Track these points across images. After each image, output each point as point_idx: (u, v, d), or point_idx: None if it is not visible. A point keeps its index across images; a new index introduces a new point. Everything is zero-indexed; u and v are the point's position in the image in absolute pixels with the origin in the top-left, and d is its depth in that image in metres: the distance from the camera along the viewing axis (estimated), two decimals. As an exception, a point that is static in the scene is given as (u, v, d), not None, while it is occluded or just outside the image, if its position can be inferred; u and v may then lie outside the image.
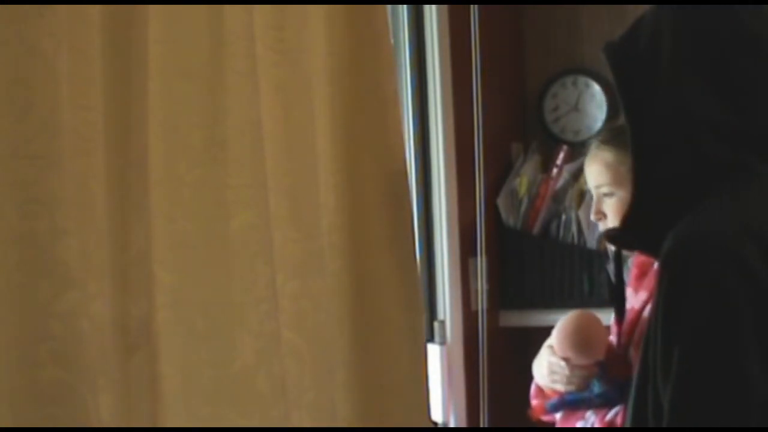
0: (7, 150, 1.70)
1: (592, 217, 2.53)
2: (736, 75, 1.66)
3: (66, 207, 1.73)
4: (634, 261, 2.52)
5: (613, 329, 2.53)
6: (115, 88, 1.88)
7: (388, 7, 2.61)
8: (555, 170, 3.48)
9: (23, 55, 1.70)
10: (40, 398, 1.69)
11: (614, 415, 2.44)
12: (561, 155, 3.49)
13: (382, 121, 2.44)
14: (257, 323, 2.06)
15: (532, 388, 2.59)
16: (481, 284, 3.35)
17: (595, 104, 3.58)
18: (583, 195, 3.35)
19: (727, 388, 1.50)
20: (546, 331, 2.57)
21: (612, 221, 2.45)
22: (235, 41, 2.07)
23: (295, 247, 2.23)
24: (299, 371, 2.21)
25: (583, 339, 2.50)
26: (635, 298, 2.48)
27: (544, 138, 3.62)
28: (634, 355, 2.42)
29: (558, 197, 3.46)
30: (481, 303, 3.31)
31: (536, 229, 3.47)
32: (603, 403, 2.46)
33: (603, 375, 2.46)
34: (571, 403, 2.49)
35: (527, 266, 3.49)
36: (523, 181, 3.48)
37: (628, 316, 2.47)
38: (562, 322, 2.55)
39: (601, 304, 3.06)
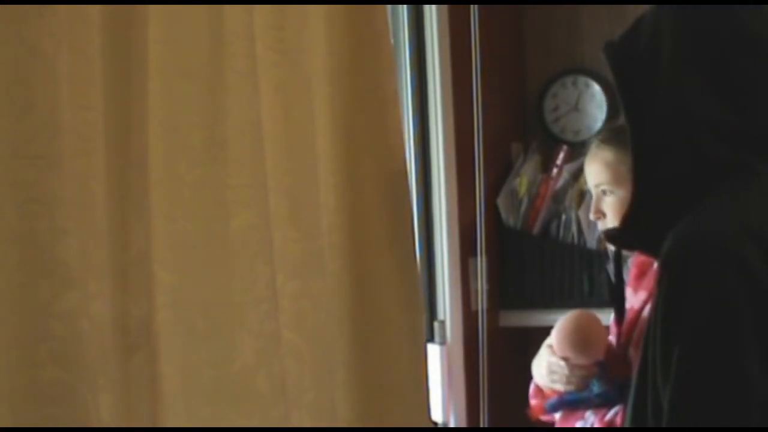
0: (7, 150, 1.70)
1: (591, 216, 2.53)
2: (736, 75, 1.66)
3: (66, 207, 1.73)
4: (633, 261, 2.52)
5: (613, 329, 2.54)
6: (115, 88, 1.88)
7: (388, 7, 2.61)
8: (555, 170, 3.48)
9: (23, 55, 1.70)
10: (40, 398, 1.69)
11: (614, 414, 2.44)
12: (561, 155, 3.49)
13: (382, 121, 2.44)
14: (257, 323, 2.06)
15: (531, 387, 2.59)
16: (481, 284, 3.35)
17: (595, 104, 3.58)
18: (583, 195, 3.35)
19: (727, 388, 1.50)
20: (546, 331, 2.57)
21: (611, 220, 2.45)
22: (235, 41, 2.07)
23: (295, 247, 2.23)
24: (299, 371, 2.21)
25: (582, 339, 2.50)
26: (635, 298, 2.48)
27: (544, 138, 3.62)
28: (634, 355, 2.42)
29: (558, 197, 3.46)
30: (481, 303, 3.31)
31: (536, 229, 3.48)
32: (602, 402, 2.46)
33: (602, 375, 2.46)
34: (570, 403, 2.49)
35: (527, 266, 3.49)
36: (523, 181, 3.48)
37: (628, 315, 2.47)
38: (561, 322, 2.55)
39: (601, 304, 3.06)
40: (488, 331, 3.30)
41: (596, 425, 2.45)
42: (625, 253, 2.49)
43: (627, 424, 1.65)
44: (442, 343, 3.29)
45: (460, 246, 3.32)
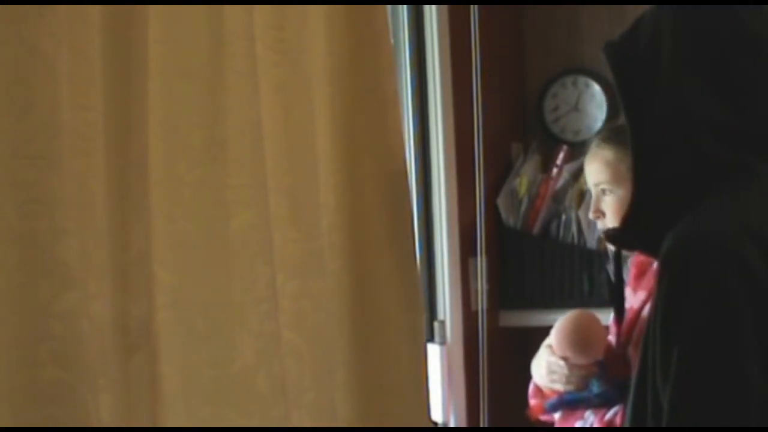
0: (7, 150, 1.69)
1: (591, 215, 2.53)
2: (736, 75, 1.66)
3: (66, 207, 1.73)
4: (632, 261, 2.52)
5: (612, 329, 2.54)
6: (115, 88, 1.88)
7: (388, 7, 2.61)
8: (555, 170, 3.48)
9: (23, 55, 1.70)
10: (40, 398, 1.69)
11: (613, 414, 2.44)
12: (561, 155, 3.49)
13: (382, 121, 2.44)
14: (257, 323, 2.06)
15: (531, 387, 2.60)
16: (481, 284, 3.35)
17: (595, 104, 3.58)
18: (583, 195, 3.35)
19: (726, 388, 1.50)
20: (546, 331, 2.57)
21: (610, 219, 2.45)
22: (235, 41, 2.07)
23: (295, 247, 2.23)
24: (299, 371, 2.21)
25: (582, 339, 2.50)
26: (634, 298, 2.48)
27: (544, 138, 3.62)
28: (633, 355, 2.42)
29: (558, 197, 3.46)
30: (481, 303, 3.31)
31: (536, 229, 3.48)
32: (602, 402, 2.46)
33: (602, 375, 2.46)
34: (570, 403, 2.49)
35: (527, 266, 3.49)
36: (523, 181, 3.48)
37: (627, 315, 2.47)
38: (560, 322, 2.55)
39: (601, 304, 3.06)
40: (488, 331, 3.30)
41: (596, 425, 2.45)
42: (625, 253, 2.49)
43: (627, 424, 1.65)
44: (442, 343, 3.29)
45: (460, 246, 3.32)
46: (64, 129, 1.74)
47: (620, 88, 1.72)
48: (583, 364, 2.48)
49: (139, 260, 1.89)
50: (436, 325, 3.30)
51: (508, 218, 3.49)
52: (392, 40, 2.67)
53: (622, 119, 1.75)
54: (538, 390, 2.58)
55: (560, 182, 3.46)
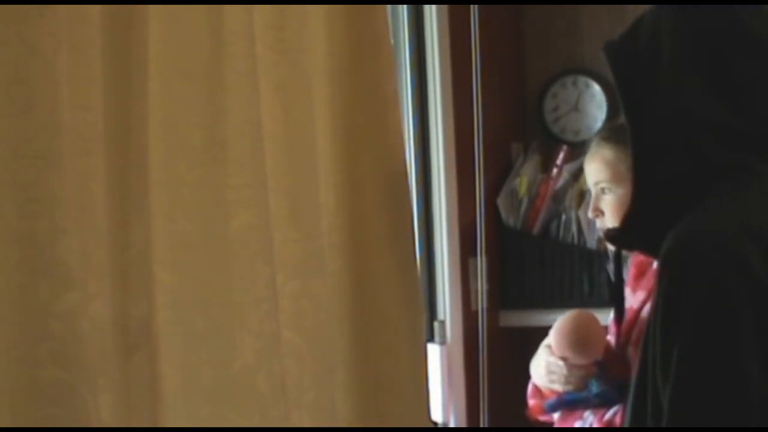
0: (7, 150, 1.69)
1: (590, 214, 2.53)
2: (736, 75, 1.66)
3: (66, 207, 1.73)
4: (632, 261, 2.52)
5: (612, 329, 2.54)
6: (115, 88, 1.88)
7: (388, 7, 2.61)
8: (555, 170, 3.48)
9: (23, 55, 1.70)
10: (40, 398, 1.69)
11: (613, 414, 2.44)
12: (561, 155, 3.49)
13: (382, 121, 2.44)
14: (257, 323, 2.06)
15: (529, 387, 2.60)
16: (481, 284, 3.35)
17: (595, 104, 3.58)
18: (583, 195, 3.35)
19: (726, 388, 1.50)
20: (546, 331, 2.57)
21: (609, 218, 2.46)
22: (235, 41, 2.07)
23: (295, 247, 2.23)
24: (299, 371, 2.21)
25: (581, 338, 2.50)
26: (633, 298, 2.48)
27: (544, 138, 3.62)
28: (633, 355, 2.42)
29: (558, 197, 3.46)
30: (481, 303, 3.31)
31: (536, 229, 3.48)
32: (601, 402, 2.46)
33: (601, 375, 2.46)
34: (569, 403, 2.49)
35: (527, 266, 3.49)
36: (523, 181, 3.48)
37: (627, 315, 2.47)
38: (559, 322, 2.55)
39: (601, 304, 3.06)
40: (488, 331, 3.30)
41: (595, 425, 2.45)
42: (624, 253, 2.49)
43: (627, 424, 1.65)
44: (442, 343, 3.29)
45: (460, 246, 3.32)
46: (64, 129, 1.74)
47: (620, 88, 1.72)
48: (582, 364, 2.48)
49: (139, 260, 1.89)
50: (436, 325, 3.30)
51: (508, 218, 3.49)
52: (392, 40, 2.67)
53: (622, 119, 1.75)
54: (537, 390, 2.58)
55: (560, 182, 3.46)
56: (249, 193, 2.07)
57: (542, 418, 2.57)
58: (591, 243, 3.39)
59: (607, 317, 2.58)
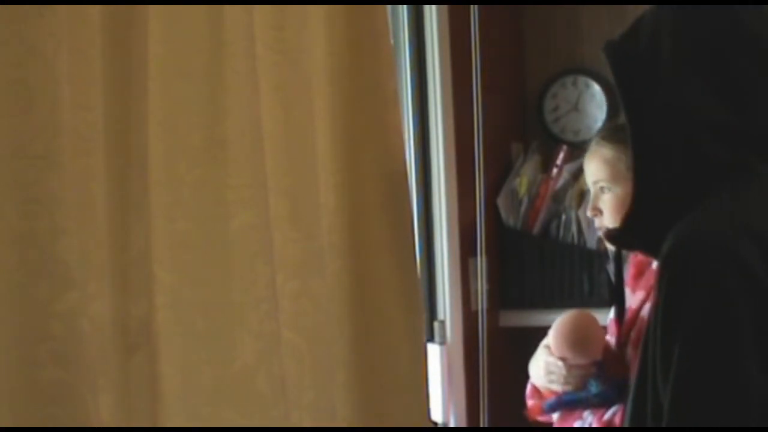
0: (7, 150, 1.69)
1: (588, 213, 2.53)
2: (736, 75, 1.66)
3: (66, 207, 1.73)
4: (631, 260, 2.52)
5: (611, 329, 2.54)
6: (115, 88, 1.88)
7: (388, 7, 2.61)
8: (555, 170, 3.48)
9: (23, 55, 1.70)
10: (40, 398, 1.69)
11: (612, 414, 2.44)
12: (561, 155, 3.49)
13: (382, 121, 2.44)
14: (257, 323, 2.06)
15: (528, 388, 2.60)
16: (481, 284, 3.35)
17: (595, 104, 3.58)
18: (583, 195, 3.35)
19: (726, 388, 1.50)
20: (546, 332, 2.57)
21: (608, 217, 2.46)
22: (235, 41, 2.07)
23: (295, 247, 2.23)
24: (299, 371, 2.21)
25: (580, 338, 2.50)
26: (632, 298, 2.48)
27: (544, 138, 3.62)
28: (632, 355, 2.42)
29: (558, 197, 3.46)
30: (481, 303, 3.31)
31: (536, 229, 3.48)
32: (600, 402, 2.46)
33: (600, 374, 2.46)
34: (568, 403, 2.49)
35: (527, 266, 3.49)
36: (523, 181, 3.48)
37: (626, 315, 2.47)
38: (558, 322, 2.55)
39: (601, 304, 3.06)
40: (488, 331, 3.30)
41: (594, 425, 2.45)
42: (625, 253, 2.49)
43: (627, 424, 1.65)
44: (442, 343, 3.29)
45: (460, 246, 3.32)
46: (64, 129, 1.74)
47: (620, 88, 1.72)
48: (581, 364, 2.48)
49: (139, 260, 1.89)
50: (436, 325, 3.30)
51: (508, 218, 3.49)
52: (392, 40, 2.67)
53: (622, 119, 1.75)
54: (536, 390, 2.58)
55: (560, 182, 3.46)
56: (249, 193, 2.07)
57: (541, 418, 2.57)
58: (591, 243, 3.39)
59: (607, 317, 2.58)
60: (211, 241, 2.03)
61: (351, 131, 2.39)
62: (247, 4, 2.10)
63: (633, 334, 2.44)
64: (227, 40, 2.06)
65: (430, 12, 3.29)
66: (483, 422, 3.26)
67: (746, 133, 1.65)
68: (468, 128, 3.27)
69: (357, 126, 2.40)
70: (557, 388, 2.50)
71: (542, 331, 2.60)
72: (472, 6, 3.27)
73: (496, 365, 3.29)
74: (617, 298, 2.51)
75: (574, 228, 3.43)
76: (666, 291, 1.56)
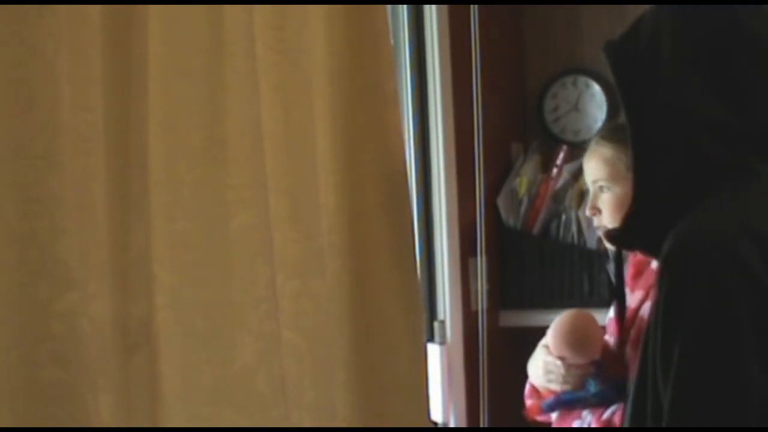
0: (7, 150, 1.69)
1: (587, 212, 2.54)
2: (736, 75, 1.66)
3: (66, 207, 1.73)
4: (630, 259, 2.52)
5: (610, 329, 2.54)
6: (115, 88, 1.88)
7: (388, 7, 2.61)
8: (555, 170, 3.48)
9: (23, 55, 1.70)
10: (40, 398, 1.69)
11: (611, 414, 2.44)
12: (561, 155, 3.49)
13: (382, 121, 2.44)
14: (257, 323, 2.06)
15: (527, 388, 2.60)
16: (481, 284, 3.35)
17: (595, 104, 3.58)
18: (583, 195, 3.35)
19: (727, 388, 1.50)
20: (546, 332, 2.57)
21: (607, 217, 2.46)
22: (235, 41, 2.07)
23: (295, 247, 2.23)
24: (299, 371, 2.21)
25: (578, 338, 2.50)
26: (631, 297, 2.48)
27: (544, 138, 3.62)
28: (631, 354, 2.42)
29: (558, 197, 3.46)
30: (481, 303, 3.31)
31: (536, 229, 3.48)
32: (599, 402, 2.46)
33: (599, 374, 2.46)
34: (567, 403, 2.49)
35: (527, 266, 3.49)
36: (523, 181, 3.48)
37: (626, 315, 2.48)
38: (557, 322, 2.55)
39: (601, 304, 3.06)
40: (488, 331, 3.30)
41: (593, 425, 2.45)
42: (624, 252, 2.49)
43: (627, 424, 1.65)
44: (442, 343, 3.29)
45: (460, 246, 3.32)
46: (64, 129, 1.74)
47: (620, 88, 1.72)
48: (579, 363, 2.48)
49: (139, 260, 1.89)
50: (436, 325, 3.30)
51: (508, 218, 3.49)
52: (392, 40, 2.67)
53: (622, 119, 1.75)
54: (534, 390, 2.58)
55: (560, 182, 3.46)
56: (249, 193, 2.07)
57: (540, 418, 2.57)
58: (591, 243, 3.39)
59: (606, 317, 2.58)
60: (211, 241, 2.03)
61: (351, 131, 2.39)
62: (247, 4, 2.10)
63: (632, 334, 2.44)
64: (227, 40, 2.06)
65: (430, 12, 3.29)
66: (483, 422, 3.26)
67: (746, 133, 1.65)
68: (468, 128, 3.27)
69: (357, 126, 2.40)
70: (556, 387, 2.50)
71: (542, 331, 2.60)
72: (472, 6, 3.27)
73: (496, 365, 3.29)
74: (618, 298, 2.51)
75: (574, 228, 3.43)
76: (666, 291, 1.56)
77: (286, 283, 2.20)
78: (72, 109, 1.77)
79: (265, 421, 2.05)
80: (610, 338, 2.52)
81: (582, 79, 3.60)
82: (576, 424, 2.48)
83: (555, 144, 3.56)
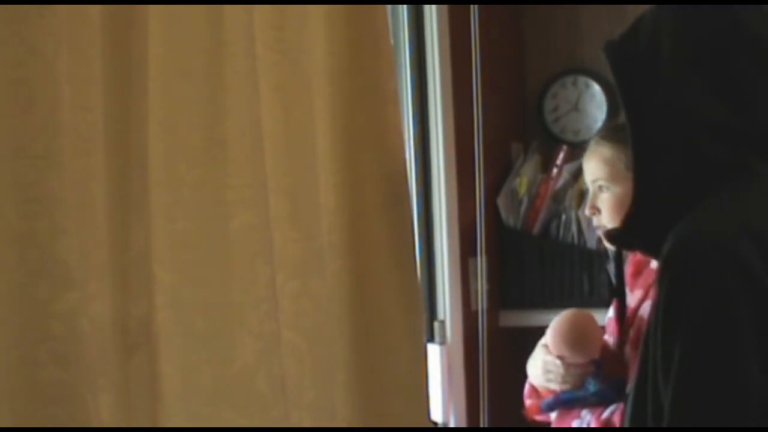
0: (7, 150, 1.69)
1: (587, 211, 2.54)
2: (736, 75, 1.66)
3: (66, 207, 1.73)
4: (630, 259, 2.52)
5: (609, 328, 2.54)
6: (115, 88, 1.88)
7: (388, 7, 2.61)
8: (555, 170, 3.48)
9: (23, 55, 1.70)
10: (40, 398, 1.69)
11: (610, 413, 2.44)
12: (561, 155, 3.49)
13: (382, 121, 2.44)
14: (257, 323, 2.06)
15: (526, 387, 2.60)
16: (481, 284, 3.35)
17: (595, 104, 3.58)
18: (583, 195, 3.35)
19: (727, 388, 1.50)
20: (546, 332, 2.58)
21: (606, 216, 2.46)
22: (235, 41, 2.07)
23: (295, 247, 2.23)
24: (299, 371, 2.21)
25: (578, 337, 2.51)
26: (631, 297, 2.48)
27: (544, 138, 3.62)
28: (630, 354, 2.42)
29: (558, 197, 3.46)
30: (481, 303, 3.32)
31: (536, 229, 3.48)
32: (598, 401, 2.46)
33: (598, 373, 2.46)
34: (566, 402, 2.49)
35: (527, 266, 3.49)
36: (523, 181, 3.48)
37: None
38: (556, 321, 2.55)
39: (601, 304, 3.06)
40: (488, 331, 3.30)
41: (593, 424, 2.45)
42: (624, 252, 2.49)
43: (627, 424, 1.65)
44: (442, 343, 3.29)
45: (460, 246, 3.32)
46: (64, 129, 1.74)
47: (620, 88, 1.72)
48: (579, 363, 2.48)
49: (139, 260, 1.89)
50: (436, 325, 3.30)
51: (508, 218, 3.49)
52: (392, 40, 2.67)
53: (622, 118, 1.75)
54: (534, 390, 2.58)
55: (560, 182, 3.46)
56: (249, 193, 2.07)
57: (539, 417, 2.57)
58: (591, 243, 3.39)
59: (604, 317, 2.58)
60: (211, 241, 2.03)
61: (351, 131, 2.39)
62: (247, 4, 2.10)
63: (631, 333, 2.44)
64: (227, 40, 2.06)
65: (430, 12, 3.29)
66: (483, 422, 3.26)
67: (746, 133, 1.65)
68: (468, 128, 3.27)
69: (357, 126, 2.40)
70: (555, 387, 2.51)
71: (542, 331, 2.60)
72: (472, 6, 3.27)
73: (496, 365, 3.29)
74: (618, 298, 2.51)
75: (574, 228, 3.43)
76: (666, 291, 1.56)
77: (286, 283, 2.20)
78: (72, 109, 1.77)
79: (265, 421, 2.05)
80: (609, 338, 2.53)
81: (582, 79, 3.60)
82: (575, 423, 2.48)
83: (555, 144, 3.56)
